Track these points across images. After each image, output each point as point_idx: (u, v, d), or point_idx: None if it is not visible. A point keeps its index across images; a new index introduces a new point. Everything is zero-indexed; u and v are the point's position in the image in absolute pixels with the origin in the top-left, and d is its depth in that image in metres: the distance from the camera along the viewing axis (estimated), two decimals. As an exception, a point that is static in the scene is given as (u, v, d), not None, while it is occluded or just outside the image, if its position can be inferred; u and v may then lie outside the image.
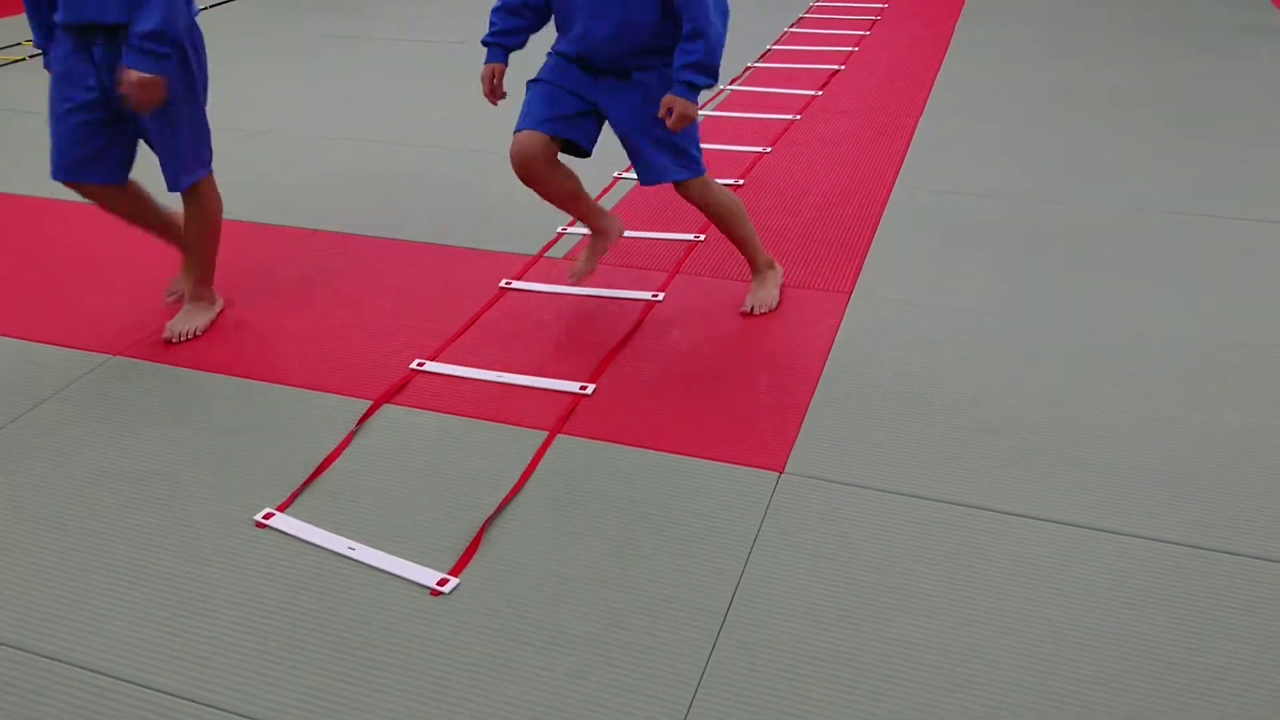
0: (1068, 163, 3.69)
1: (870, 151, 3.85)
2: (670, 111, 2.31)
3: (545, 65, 2.51)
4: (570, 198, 2.61)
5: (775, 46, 5.34)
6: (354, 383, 2.41)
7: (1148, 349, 2.48)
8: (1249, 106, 4.26)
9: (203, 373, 2.47)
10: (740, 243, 2.69)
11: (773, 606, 1.74)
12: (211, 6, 6.68)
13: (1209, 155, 3.73)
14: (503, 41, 2.48)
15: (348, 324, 2.69)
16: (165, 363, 2.51)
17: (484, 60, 2.52)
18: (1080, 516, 1.93)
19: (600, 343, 2.56)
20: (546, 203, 2.63)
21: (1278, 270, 2.87)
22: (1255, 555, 1.83)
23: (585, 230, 2.90)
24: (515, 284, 2.87)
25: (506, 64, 2.52)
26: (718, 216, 2.63)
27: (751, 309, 2.68)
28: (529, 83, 2.51)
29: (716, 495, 2.01)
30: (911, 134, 4.02)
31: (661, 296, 2.78)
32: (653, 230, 3.19)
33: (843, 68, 4.94)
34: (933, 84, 4.67)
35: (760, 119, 4.22)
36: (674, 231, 3.17)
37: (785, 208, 3.36)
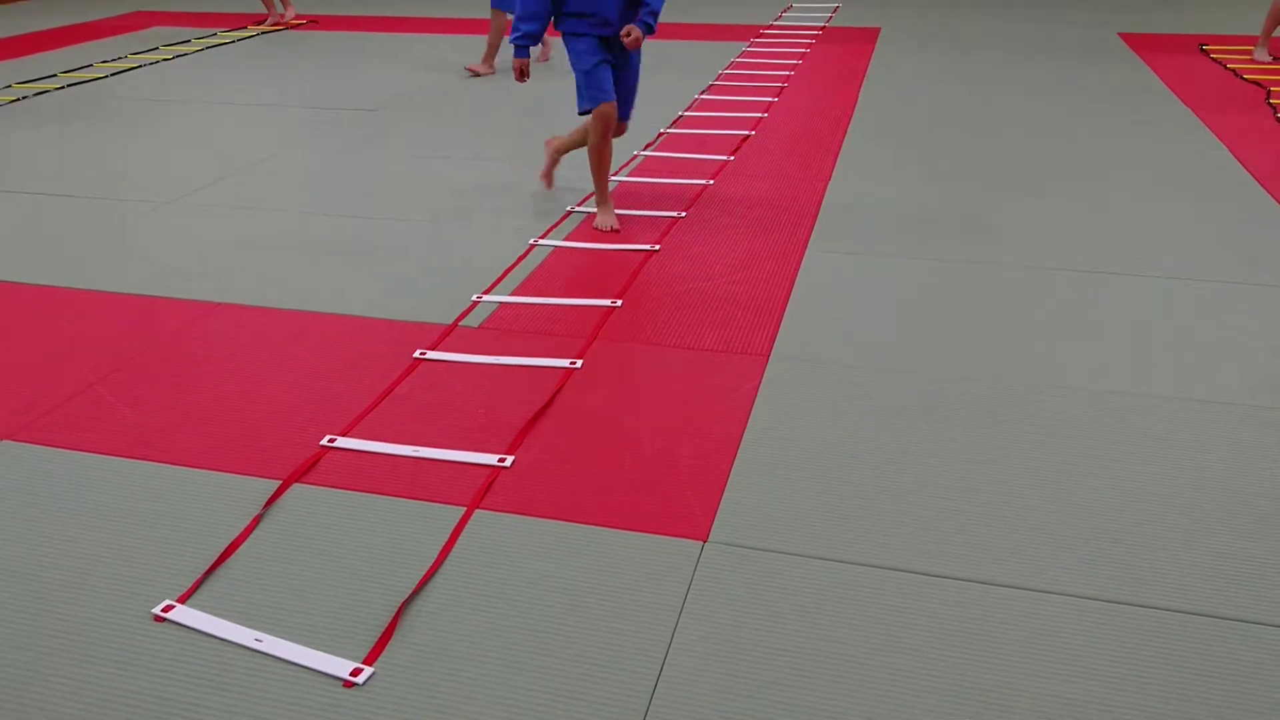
0: (966, 225, 3.80)
1: (783, 214, 3.91)
2: (629, 34, 3.46)
3: (586, 47, 3.52)
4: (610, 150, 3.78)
5: (688, 113, 5.42)
6: (261, 462, 2.32)
7: (1052, 402, 2.54)
8: (1129, 165, 4.45)
9: (97, 456, 2.35)
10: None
11: (700, 681, 1.69)
12: (113, 75, 6.53)
13: (1096, 213, 3.88)
14: (528, 45, 3.56)
15: (253, 400, 2.59)
16: (57, 446, 2.39)
17: (513, 56, 3.58)
18: (1001, 575, 1.94)
19: (518, 412, 2.51)
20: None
21: (1161, 323, 2.97)
22: (1171, 609, 1.85)
23: (500, 299, 2.97)
24: (430, 354, 2.81)
25: (530, 58, 3.58)
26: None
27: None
28: (593, 66, 3.52)
29: (640, 568, 1.97)
30: (822, 196, 4.10)
31: (580, 364, 2.75)
32: (569, 297, 3.17)
33: (754, 133, 5.04)
34: (840, 148, 4.79)
35: (674, 184, 4.26)
36: (591, 297, 3.16)
37: (701, 272, 3.38)
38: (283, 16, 8.22)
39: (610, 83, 3.56)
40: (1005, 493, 2.19)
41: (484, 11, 9.00)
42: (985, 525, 2.08)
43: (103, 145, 4.99)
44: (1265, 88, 5.70)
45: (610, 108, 3.58)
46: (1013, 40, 7.38)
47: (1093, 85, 5.97)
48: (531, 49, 3.58)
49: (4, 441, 2.41)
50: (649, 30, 3.48)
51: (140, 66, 6.81)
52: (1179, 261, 3.41)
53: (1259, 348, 2.82)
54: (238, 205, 4.08)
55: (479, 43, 7.65)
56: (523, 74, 3.62)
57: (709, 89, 5.98)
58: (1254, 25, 6.07)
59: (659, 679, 1.70)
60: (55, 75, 6.55)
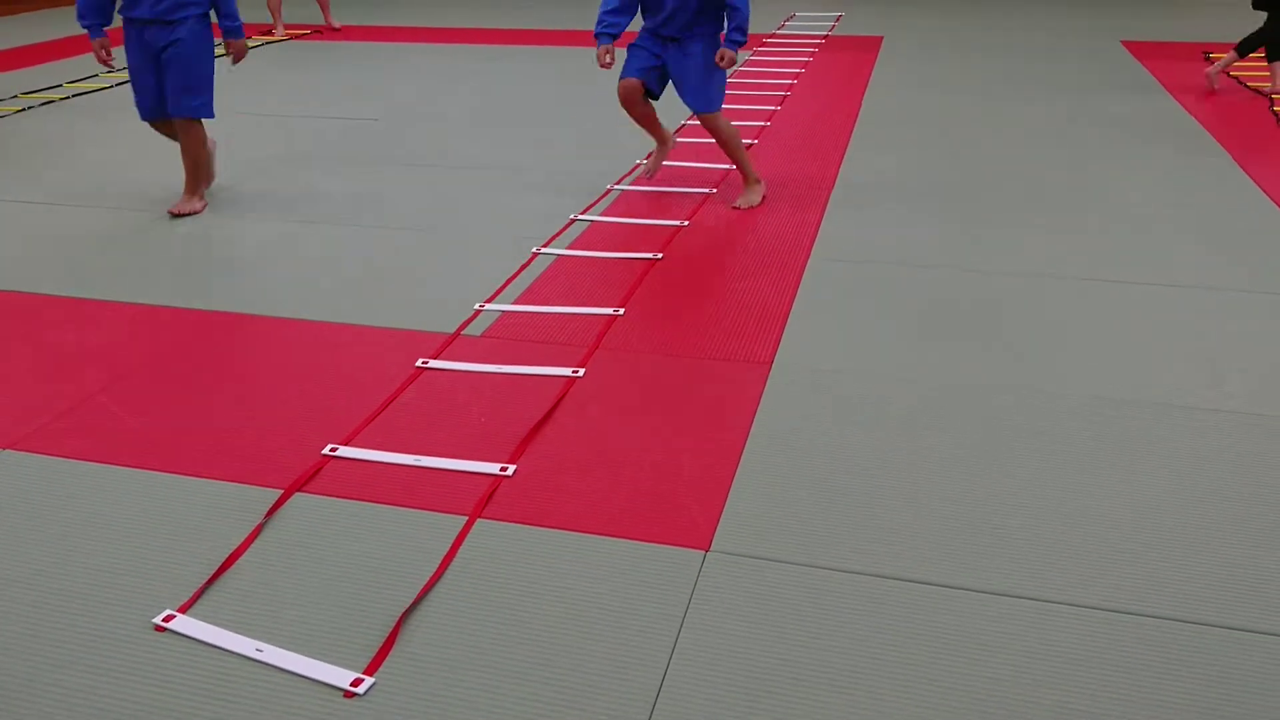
0: (971, 232, 3.79)
1: (786, 222, 3.90)
2: (723, 57, 3.79)
3: (638, 38, 3.95)
4: (649, 121, 4.19)
5: (691, 121, 5.42)
6: (262, 471, 2.32)
7: (1055, 410, 2.52)
8: (1131, 171, 4.45)
9: (97, 464, 2.35)
10: (737, 163, 4.12)
11: (703, 691, 1.69)
12: (117, 85, 6.55)
13: (1098, 221, 3.87)
14: (610, 33, 3.92)
15: (255, 408, 2.59)
16: (59, 455, 2.38)
17: (597, 45, 3.94)
18: (1005, 584, 1.93)
19: (520, 422, 2.51)
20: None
21: (1165, 330, 2.96)
22: (1171, 618, 1.84)
23: (502, 307, 2.99)
24: (432, 363, 2.81)
25: (613, 46, 3.94)
26: (723, 141, 4.02)
27: (738, 205, 4.05)
28: (629, 46, 3.97)
29: (642, 577, 1.96)
30: (825, 205, 4.10)
31: (582, 373, 2.75)
32: (571, 305, 3.17)
33: (757, 141, 5.04)
34: (843, 156, 4.79)
35: (677, 193, 4.26)
36: (593, 306, 3.16)
37: (704, 280, 3.37)
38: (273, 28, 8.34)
39: (634, 62, 3.93)
40: (1009, 501, 2.18)
41: (500, 21, 9.03)
42: (988, 534, 2.07)
43: (107, 154, 5.00)
44: (1268, 96, 5.70)
45: (629, 83, 3.96)
46: (1015, 49, 7.39)
47: (1095, 93, 5.97)
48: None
49: (6, 450, 2.41)
50: (738, 47, 3.77)
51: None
52: (1181, 268, 3.40)
53: (1263, 355, 2.80)
54: (239, 214, 4.09)
55: (492, 51, 7.67)
56: (606, 62, 3.96)
57: (712, 98, 5.97)
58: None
59: (661, 689, 1.69)
60: (60, 85, 6.57)
